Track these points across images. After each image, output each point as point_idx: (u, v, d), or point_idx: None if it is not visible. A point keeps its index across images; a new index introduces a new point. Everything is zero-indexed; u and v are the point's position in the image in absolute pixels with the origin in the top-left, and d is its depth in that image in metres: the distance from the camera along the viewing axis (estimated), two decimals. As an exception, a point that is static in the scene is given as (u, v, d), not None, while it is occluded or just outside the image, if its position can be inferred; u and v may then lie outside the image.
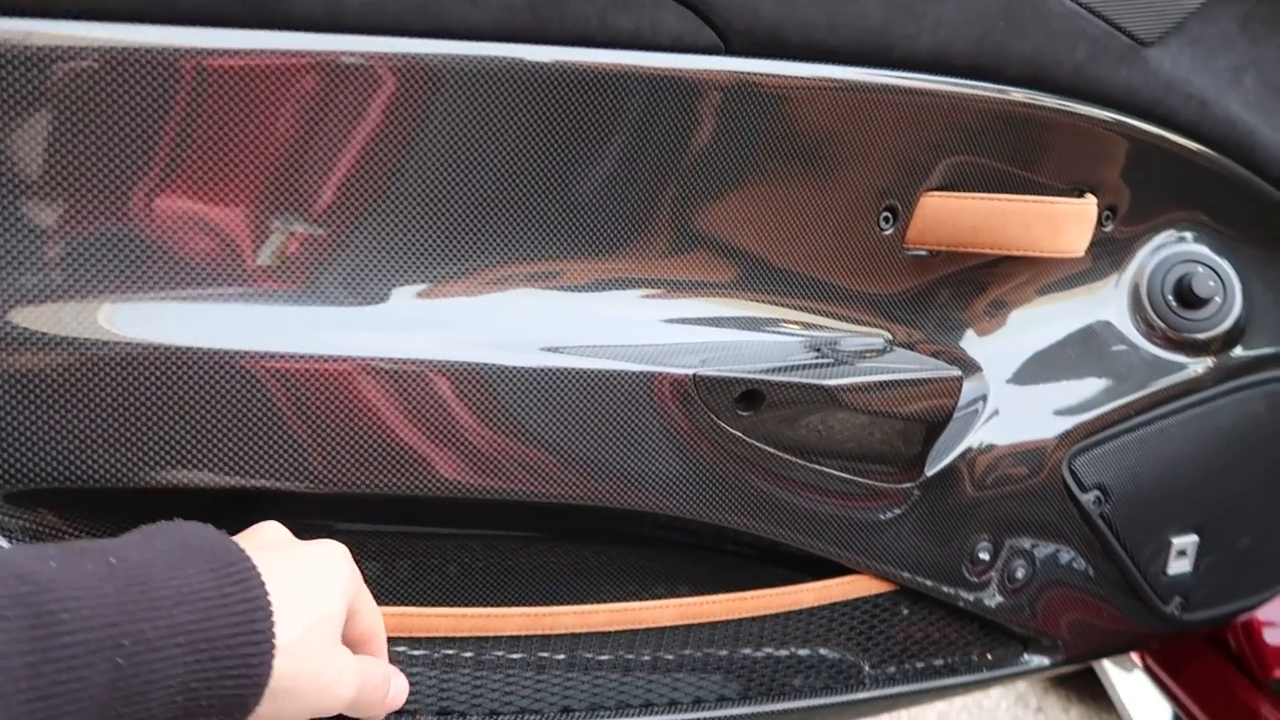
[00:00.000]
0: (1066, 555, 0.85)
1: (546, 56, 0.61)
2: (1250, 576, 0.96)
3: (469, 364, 0.62)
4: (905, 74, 0.70)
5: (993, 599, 0.84)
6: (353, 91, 0.57)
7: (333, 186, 0.59)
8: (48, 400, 0.54)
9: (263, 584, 0.43)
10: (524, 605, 0.70)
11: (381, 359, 0.60)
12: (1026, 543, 0.84)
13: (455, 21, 0.58)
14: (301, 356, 0.59)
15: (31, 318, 0.54)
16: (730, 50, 0.65)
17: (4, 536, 0.55)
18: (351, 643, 0.51)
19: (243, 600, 0.42)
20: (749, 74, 0.66)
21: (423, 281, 0.63)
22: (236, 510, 0.66)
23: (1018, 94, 0.74)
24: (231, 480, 0.59)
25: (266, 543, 0.49)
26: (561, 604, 0.71)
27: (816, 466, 0.74)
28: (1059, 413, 0.83)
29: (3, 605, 0.37)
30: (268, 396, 0.58)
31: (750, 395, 0.69)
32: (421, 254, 0.62)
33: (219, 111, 0.55)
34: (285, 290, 0.59)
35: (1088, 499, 0.84)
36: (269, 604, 0.43)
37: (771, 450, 0.71)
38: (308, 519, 0.68)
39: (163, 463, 0.57)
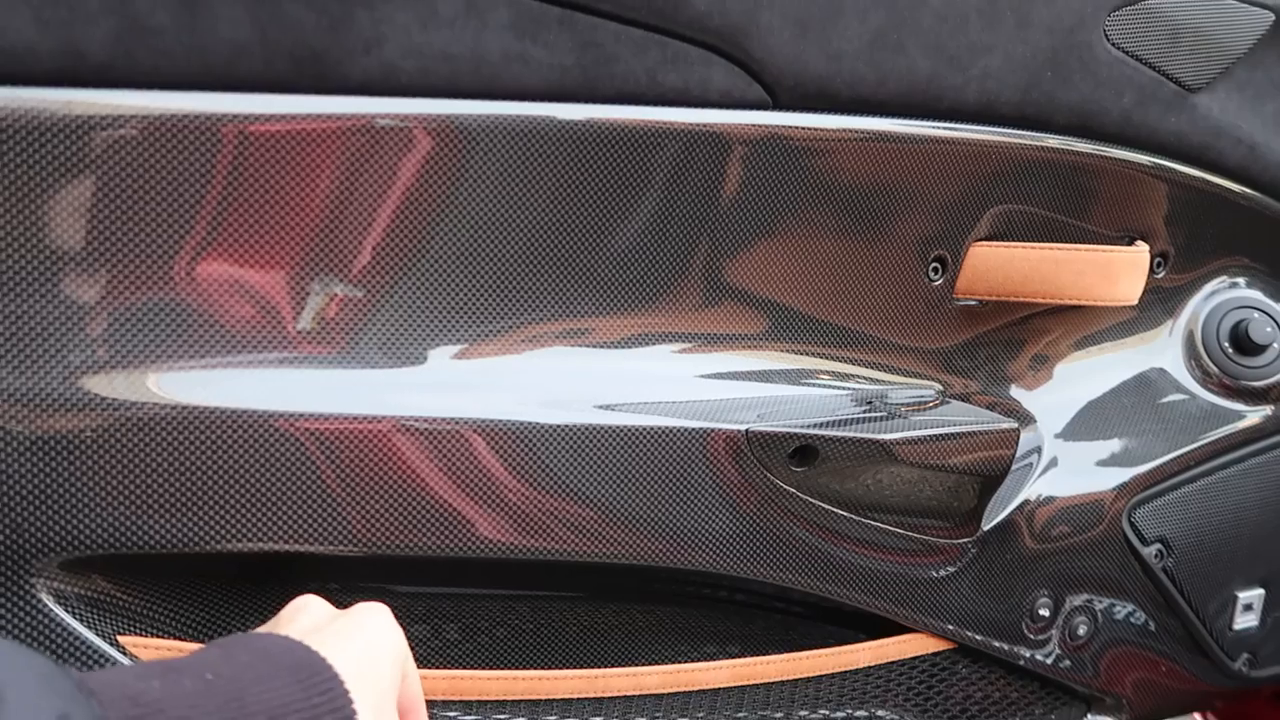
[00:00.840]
0: (1129, 611, 0.83)
1: (596, 115, 0.61)
2: (1319, 631, 0.93)
3: (520, 423, 0.62)
4: (953, 125, 0.70)
5: (1054, 657, 0.82)
6: (402, 154, 0.58)
7: (388, 247, 0.59)
8: (102, 468, 0.54)
9: (346, 691, 0.45)
10: (575, 667, 0.69)
11: (434, 419, 0.60)
12: (1087, 598, 0.81)
13: (508, 83, 0.59)
14: (354, 418, 0.58)
15: (85, 385, 0.54)
16: (778, 105, 0.65)
17: (61, 604, 0.55)
18: (399, 710, 0.51)
19: (330, 711, 0.44)
20: (797, 128, 0.65)
21: (474, 340, 0.63)
22: (287, 570, 0.65)
23: (1065, 142, 0.74)
24: (285, 545, 0.58)
25: (316, 624, 0.50)
26: (612, 666, 0.70)
27: (871, 522, 0.72)
28: (1117, 464, 0.82)
29: None
30: (320, 460, 0.58)
31: (804, 450, 0.68)
32: (473, 313, 0.62)
33: (270, 177, 0.56)
34: (341, 353, 0.59)
35: (1149, 552, 0.82)
36: (355, 713, 0.44)
37: (825, 506, 0.70)
38: (358, 580, 0.68)
39: (214, 528, 0.57)
